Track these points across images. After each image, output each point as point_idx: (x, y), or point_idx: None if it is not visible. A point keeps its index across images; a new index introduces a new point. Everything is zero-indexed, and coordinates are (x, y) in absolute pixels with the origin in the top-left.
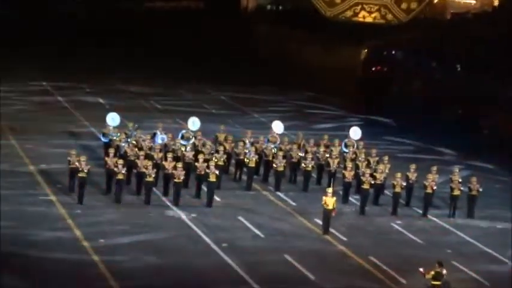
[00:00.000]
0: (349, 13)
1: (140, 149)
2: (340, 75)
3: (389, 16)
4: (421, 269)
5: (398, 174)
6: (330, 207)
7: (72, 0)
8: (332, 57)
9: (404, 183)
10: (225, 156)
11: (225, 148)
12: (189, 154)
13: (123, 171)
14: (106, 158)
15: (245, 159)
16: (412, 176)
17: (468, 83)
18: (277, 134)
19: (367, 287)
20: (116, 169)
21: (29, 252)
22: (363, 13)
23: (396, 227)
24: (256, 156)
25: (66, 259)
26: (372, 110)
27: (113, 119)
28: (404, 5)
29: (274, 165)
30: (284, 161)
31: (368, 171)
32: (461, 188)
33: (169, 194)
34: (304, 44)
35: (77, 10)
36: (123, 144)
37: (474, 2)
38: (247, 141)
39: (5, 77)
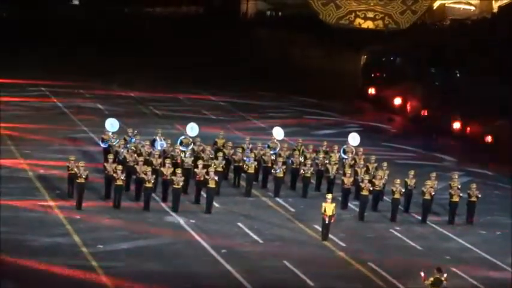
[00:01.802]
0: (345, 21)
1: (139, 154)
2: (340, 81)
3: (391, 23)
4: (422, 273)
5: (398, 181)
6: (329, 213)
7: (71, 4)
8: (332, 62)
9: (403, 189)
10: (224, 162)
11: (224, 154)
12: (188, 160)
13: (122, 177)
14: (105, 164)
15: (244, 166)
16: (411, 182)
17: (467, 88)
18: (277, 140)
19: None
20: (115, 175)
21: (27, 258)
22: (358, 20)
23: (395, 233)
24: (256, 163)
25: (65, 265)
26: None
27: (111, 124)
28: (404, 12)
29: (273, 171)
30: (284, 167)
31: (367, 177)
32: (461, 194)
33: (169, 200)
34: (304, 49)
35: (76, 14)
36: (122, 150)
37: (473, 8)
38: (246, 147)
39: (4, 80)
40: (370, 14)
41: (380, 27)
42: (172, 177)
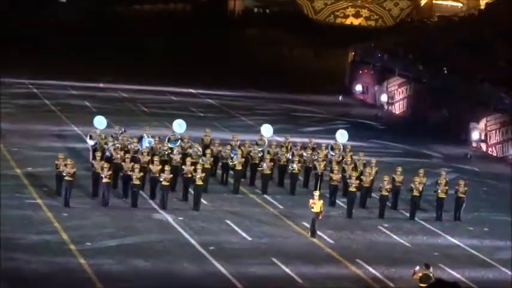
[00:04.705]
0: (332, 18)
1: (127, 152)
2: (327, 78)
3: (378, 20)
4: (417, 267)
5: (386, 177)
6: (317, 210)
7: (60, 3)
8: (320, 59)
9: (391, 186)
10: (212, 159)
11: (212, 151)
12: (176, 157)
13: (110, 174)
14: (93, 161)
15: (231, 163)
16: (399, 178)
17: (454, 85)
18: (265, 137)
19: None
20: (102, 172)
21: (15, 255)
22: (341, 19)
23: (383, 229)
24: (242, 159)
25: (53, 262)
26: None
27: (99, 122)
28: (391, 9)
29: (259, 167)
30: (272, 164)
31: (355, 174)
32: (448, 190)
33: (157, 197)
34: (292, 46)
35: (65, 13)
36: (110, 147)
37: (461, 5)
38: (233, 145)
39: None
40: (357, 12)
41: (367, 24)
42: (160, 174)
